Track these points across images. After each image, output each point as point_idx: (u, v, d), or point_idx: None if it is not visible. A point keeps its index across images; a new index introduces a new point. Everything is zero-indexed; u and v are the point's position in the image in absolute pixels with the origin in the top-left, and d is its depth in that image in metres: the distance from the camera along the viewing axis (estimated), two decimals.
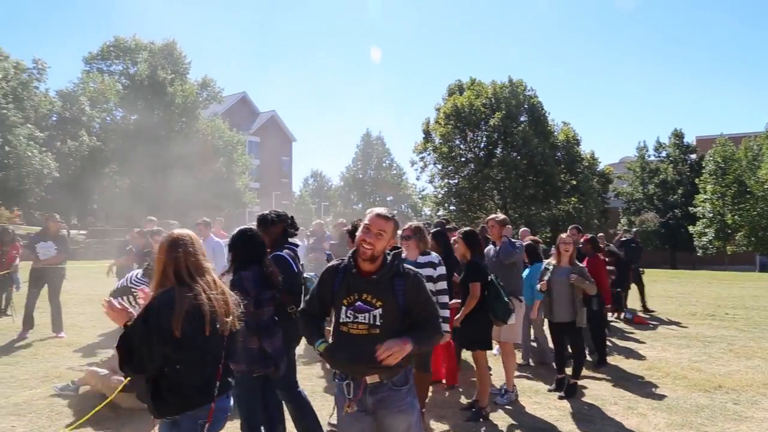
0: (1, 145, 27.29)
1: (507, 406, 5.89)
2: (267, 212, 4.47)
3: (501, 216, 6.49)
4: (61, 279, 9.33)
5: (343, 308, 2.83)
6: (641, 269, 12.83)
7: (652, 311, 12.56)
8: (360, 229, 2.84)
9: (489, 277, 5.47)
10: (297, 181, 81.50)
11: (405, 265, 2.91)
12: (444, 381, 6.60)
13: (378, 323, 2.75)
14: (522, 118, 37.12)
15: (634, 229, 13.69)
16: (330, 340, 2.93)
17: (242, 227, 3.95)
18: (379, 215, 2.84)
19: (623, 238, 13.03)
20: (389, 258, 2.85)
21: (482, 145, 38.01)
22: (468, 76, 39.63)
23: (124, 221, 29.82)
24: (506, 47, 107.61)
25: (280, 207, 4.67)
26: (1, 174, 26.83)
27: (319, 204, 61.41)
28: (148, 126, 35.44)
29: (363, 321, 2.76)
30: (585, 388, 6.60)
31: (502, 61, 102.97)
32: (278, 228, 4.27)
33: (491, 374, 6.44)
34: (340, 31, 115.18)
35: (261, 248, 3.88)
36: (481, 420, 5.44)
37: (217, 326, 2.65)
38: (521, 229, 11.22)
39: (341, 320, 2.82)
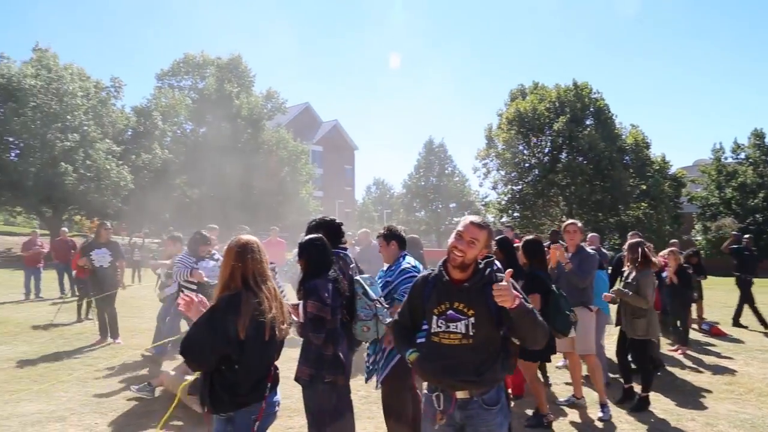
0: (83, 159, 28.94)
1: (576, 420, 5.70)
2: (321, 219, 4.45)
3: (580, 223, 6.18)
4: (116, 285, 9.45)
5: (435, 318, 2.79)
6: (701, 277, 10.61)
7: (744, 326, 11.38)
8: (452, 235, 2.81)
9: (551, 287, 5.27)
10: (359, 190, 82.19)
11: (498, 273, 2.83)
12: (510, 391, 6.46)
13: (471, 333, 2.70)
14: (588, 122, 36.16)
15: (746, 237, 11.85)
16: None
17: (311, 236, 3.95)
18: (473, 223, 2.79)
19: (733, 246, 11.58)
20: (481, 266, 2.80)
21: (546, 150, 37.26)
22: (530, 80, 39.06)
23: (194, 230, 30.84)
24: (569, 49, 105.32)
25: (342, 215, 4.64)
26: (83, 186, 28.38)
27: (381, 212, 61.74)
28: (215, 138, 36.69)
29: (455, 330, 2.72)
30: (657, 401, 6.28)
31: (566, 64, 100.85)
32: (325, 233, 4.26)
33: (550, 385, 6.24)
34: (400, 38, 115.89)
35: (330, 256, 3.89)
36: (544, 426, 5.32)
37: (276, 332, 2.76)
38: (589, 235, 10.79)
39: (432, 330, 2.79)
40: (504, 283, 2.56)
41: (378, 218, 57.56)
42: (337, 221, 4.39)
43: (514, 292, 2.57)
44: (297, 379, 3.78)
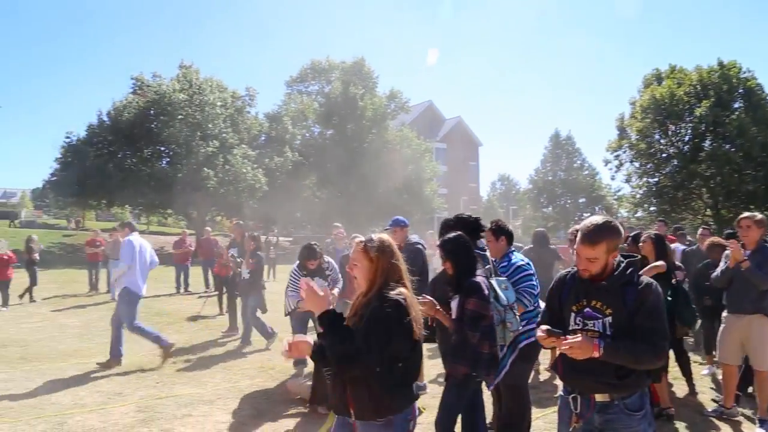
0: (222, 164, 31.17)
1: None
2: (455, 216, 4.35)
3: (758, 215, 5.33)
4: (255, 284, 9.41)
5: (572, 315, 2.71)
6: None
7: None
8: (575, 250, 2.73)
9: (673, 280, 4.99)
10: (484, 186, 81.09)
11: (639, 274, 2.70)
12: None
13: (609, 332, 2.58)
14: (736, 105, 32.81)
15: None
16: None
17: (454, 234, 3.82)
18: (585, 244, 2.60)
19: None
20: (622, 264, 2.65)
21: (687, 138, 34.26)
22: (666, 64, 36.13)
23: (323, 228, 32.13)
24: (711, 27, 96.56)
25: (468, 212, 4.50)
26: (222, 189, 30.59)
27: (507, 208, 60.47)
28: (342, 139, 37.92)
29: (592, 328, 2.62)
30: None
31: (707, 44, 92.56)
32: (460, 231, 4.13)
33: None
34: (523, 30, 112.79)
35: (474, 253, 3.80)
36: (663, 417, 5.09)
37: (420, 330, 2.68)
38: (699, 231, 9.50)
39: (570, 327, 2.69)
40: (575, 338, 2.48)
41: (503, 214, 56.37)
42: (474, 217, 4.24)
43: (579, 344, 2.45)
44: (448, 376, 3.69)
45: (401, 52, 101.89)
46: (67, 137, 33.11)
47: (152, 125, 31.05)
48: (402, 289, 2.55)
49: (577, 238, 2.65)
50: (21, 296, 13.34)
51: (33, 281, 13.79)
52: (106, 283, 14.98)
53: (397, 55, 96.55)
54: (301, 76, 42.31)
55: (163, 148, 32.42)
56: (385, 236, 2.74)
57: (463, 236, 3.77)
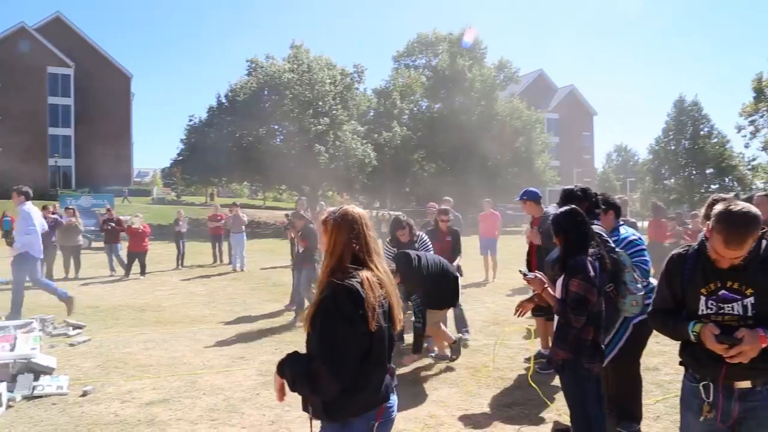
0: (332, 140, 32.00)
1: None
2: (573, 186, 4.17)
3: None
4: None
5: (703, 299, 2.46)
6: None
7: None
8: (716, 239, 2.37)
9: None
10: (599, 157, 77.12)
11: None
12: None
13: (750, 314, 2.35)
14: None
15: None
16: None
17: (567, 208, 3.54)
18: (731, 247, 2.30)
19: None
20: (764, 242, 2.40)
21: None
22: None
23: (432, 202, 32.18)
24: None
25: (582, 184, 4.27)
26: (333, 165, 31.44)
27: (624, 180, 57.26)
28: (450, 113, 37.52)
29: (731, 312, 2.39)
30: None
31: None
32: (583, 205, 3.86)
33: None
34: None
35: (589, 229, 3.50)
36: None
37: (394, 318, 2.33)
38: None
39: (701, 312, 2.46)
40: (743, 343, 2.25)
41: (620, 187, 53.43)
42: (591, 190, 4.07)
43: (748, 343, 2.25)
44: (549, 360, 3.56)
45: (511, 20, 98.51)
46: (190, 120, 35.66)
47: (266, 105, 32.39)
48: (363, 273, 2.17)
49: (719, 239, 2.32)
50: (178, 266, 15.39)
51: (180, 250, 15.51)
52: (227, 254, 15.94)
53: (507, 23, 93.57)
54: (408, 51, 42.21)
55: (276, 126, 33.79)
56: (353, 208, 2.34)
57: (578, 211, 3.51)
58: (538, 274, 3.54)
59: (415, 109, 40.86)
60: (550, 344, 3.79)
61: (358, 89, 37.57)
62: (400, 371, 5.71)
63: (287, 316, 8.73)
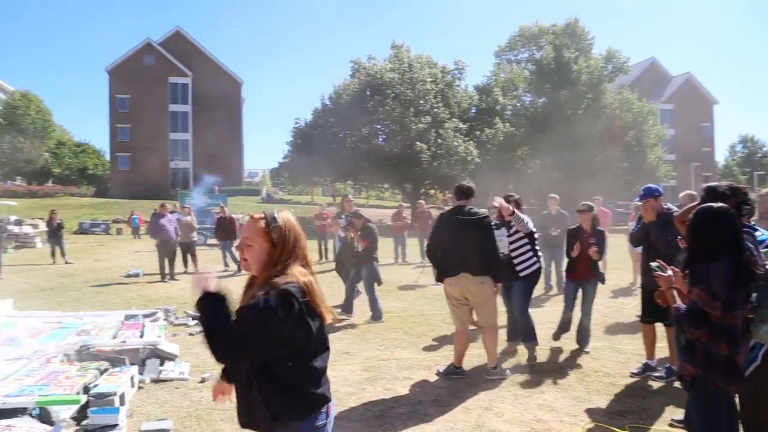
0: (434, 138, 32.00)
1: None
2: (717, 184, 3.69)
3: None
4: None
5: None
6: None
7: None
8: None
9: None
10: (721, 150, 71.67)
11: None
12: None
13: None
14: None
15: None
16: None
17: (716, 206, 3.05)
18: None
19: None
20: None
21: None
22: None
23: (536, 200, 31.32)
24: None
25: (700, 180, 3.80)
26: (435, 163, 31.42)
27: (750, 174, 52.80)
28: (554, 107, 36.36)
29: None
30: None
31: None
32: (731, 203, 3.32)
33: None
34: None
35: (734, 230, 3.00)
36: None
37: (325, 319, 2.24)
38: None
39: None
40: None
41: (746, 182, 49.31)
42: (742, 188, 3.59)
43: None
44: (679, 377, 3.22)
45: (619, 6, 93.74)
46: (296, 122, 37.13)
47: (368, 105, 32.96)
48: (301, 277, 2.12)
49: None
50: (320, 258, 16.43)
51: (320, 245, 16.86)
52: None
53: (614, 10, 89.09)
54: (510, 45, 41.35)
55: (378, 126, 34.32)
56: (289, 214, 2.28)
57: (720, 208, 3.05)
58: (672, 271, 3.20)
59: (518, 104, 39.94)
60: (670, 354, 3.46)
61: (459, 86, 37.30)
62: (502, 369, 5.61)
63: (389, 313, 8.84)
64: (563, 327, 6.52)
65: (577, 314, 6.41)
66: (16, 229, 21.87)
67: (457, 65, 37.20)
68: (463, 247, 5.28)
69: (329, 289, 11.45)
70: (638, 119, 36.86)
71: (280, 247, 2.17)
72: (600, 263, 6.45)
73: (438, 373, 5.55)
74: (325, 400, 2.21)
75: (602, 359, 5.97)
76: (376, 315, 8.32)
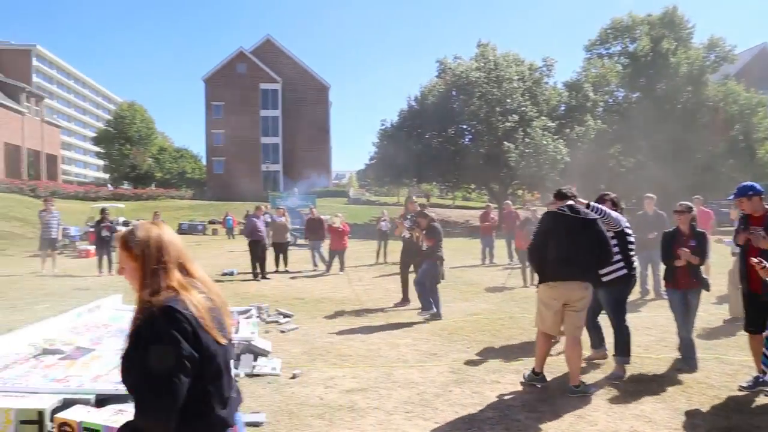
0: (522, 137, 31.33)
1: None
2: None
3: None
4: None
5: None
6: None
7: None
8: None
9: None
10: None
11: None
12: None
13: None
14: None
15: None
16: None
17: None
18: None
19: None
20: None
21: None
22: None
23: (629, 199, 29.95)
24: None
25: None
26: (523, 163, 30.74)
27: None
28: (650, 102, 34.63)
29: None
30: None
31: None
32: None
33: None
34: None
35: None
36: None
37: (227, 330, 2.09)
38: None
39: None
40: None
41: None
42: None
43: None
44: None
45: None
46: (383, 124, 37.57)
47: (454, 105, 32.78)
48: (184, 291, 1.95)
49: None
50: (378, 261, 16.60)
51: (380, 247, 16.99)
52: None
53: None
54: (601, 38, 39.70)
55: (464, 126, 34.09)
56: (150, 225, 2.08)
57: None
58: None
59: (610, 100, 38.29)
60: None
61: (548, 83, 36.29)
62: (591, 380, 5.39)
63: (477, 315, 8.74)
64: (688, 350, 5.75)
65: (671, 323, 6.00)
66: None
67: (546, 62, 36.22)
68: (575, 249, 4.90)
69: (390, 291, 11.48)
70: (745, 111, 34.32)
71: (145, 262, 1.98)
72: (702, 268, 5.98)
73: (521, 382, 5.27)
74: (225, 424, 2.01)
75: (706, 370, 5.60)
76: (428, 309, 8.50)
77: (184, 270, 2.03)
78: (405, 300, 9.66)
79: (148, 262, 1.97)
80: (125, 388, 1.88)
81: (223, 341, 2.01)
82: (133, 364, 1.86)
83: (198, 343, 1.89)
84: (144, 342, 1.85)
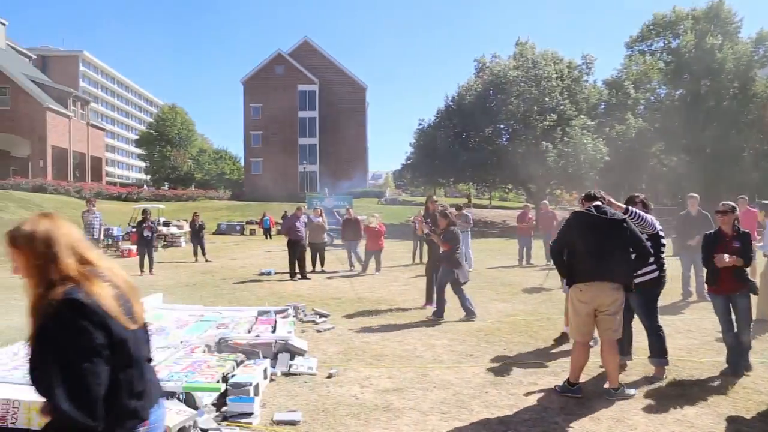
0: (560, 137, 30.87)
1: None
2: None
3: None
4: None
5: None
6: None
7: None
8: None
9: None
10: None
11: None
12: None
13: None
14: None
15: None
16: None
17: None
18: None
19: None
20: None
21: None
22: None
23: (668, 200, 29.19)
24: None
25: None
26: (562, 162, 30.27)
27: None
28: (694, 99, 33.72)
29: None
30: None
31: None
32: None
33: None
34: None
35: None
36: None
37: (137, 315, 2.03)
38: None
39: None
40: None
41: None
42: None
43: None
44: None
45: None
46: (420, 124, 37.52)
47: (491, 104, 32.51)
48: (86, 281, 1.88)
49: None
50: (414, 260, 16.51)
51: (416, 247, 16.95)
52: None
53: None
54: (642, 35, 38.84)
55: (502, 126, 33.76)
56: (38, 217, 1.99)
57: None
58: None
59: (651, 97, 37.42)
60: None
61: (587, 81, 35.66)
62: (628, 382, 5.28)
63: (514, 316, 8.65)
64: (734, 355, 5.53)
65: (716, 326, 5.83)
66: (164, 229, 24.00)
67: (585, 59, 35.59)
68: (602, 249, 4.78)
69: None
70: None
71: (33, 255, 1.90)
72: (748, 270, 5.79)
73: (555, 391, 5.11)
74: (136, 416, 1.93)
75: (752, 375, 5.42)
76: (470, 315, 8.42)
77: (84, 260, 1.95)
78: (429, 302, 9.52)
79: (37, 256, 1.89)
80: (38, 395, 1.79)
81: (133, 326, 1.94)
82: (44, 365, 1.77)
83: (107, 330, 1.83)
84: (52, 338, 1.77)
